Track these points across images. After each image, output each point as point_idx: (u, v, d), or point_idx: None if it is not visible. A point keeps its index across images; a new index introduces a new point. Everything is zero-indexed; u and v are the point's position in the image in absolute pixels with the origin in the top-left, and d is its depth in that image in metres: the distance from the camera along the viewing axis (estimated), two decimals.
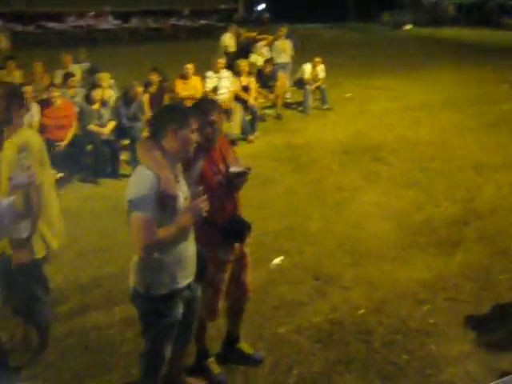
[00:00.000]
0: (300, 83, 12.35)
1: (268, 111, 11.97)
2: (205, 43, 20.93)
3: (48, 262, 4.16)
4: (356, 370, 4.07)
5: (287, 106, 12.60)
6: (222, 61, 10.78)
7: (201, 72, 10.64)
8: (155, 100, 9.26)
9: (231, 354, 4.19)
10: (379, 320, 4.66)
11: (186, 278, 3.23)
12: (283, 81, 11.88)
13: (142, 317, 3.30)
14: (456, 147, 9.42)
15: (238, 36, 14.31)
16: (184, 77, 10.16)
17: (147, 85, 9.54)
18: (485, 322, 4.65)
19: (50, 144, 7.44)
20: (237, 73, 10.48)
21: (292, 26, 15.31)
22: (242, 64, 10.53)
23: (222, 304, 3.86)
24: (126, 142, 8.61)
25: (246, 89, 10.40)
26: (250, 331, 4.44)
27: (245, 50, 13.41)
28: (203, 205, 3.04)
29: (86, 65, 11.60)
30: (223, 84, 10.42)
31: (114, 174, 8.28)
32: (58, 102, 8.15)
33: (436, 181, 7.89)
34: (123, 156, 8.57)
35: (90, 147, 8.40)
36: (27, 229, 3.62)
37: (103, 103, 8.53)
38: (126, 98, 8.78)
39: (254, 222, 3.78)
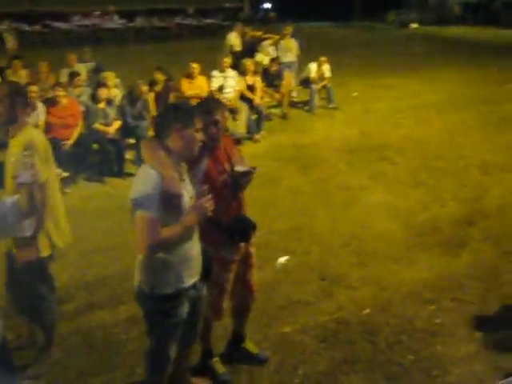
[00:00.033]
0: (306, 82, 12.33)
1: (274, 110, 11.95)
2: (210, 42, 20.91)
3: (53, 260, 4.16)
4: (361, 370, 4.06)
5: (293, 105, 12.57)
6: (228, 60, 10.76)
7: (206, 71, 10.63)
8: (160, 99, 9.27)
9: (236, 353, 4.18)
10: (385, 320, 4.65)
11: (191, 277, 3.23)
12: (289, 80, 11.86)
13: (147, 316, 3.30)
14: (462, 146, 9.39)
15: (243, 35, 14.29)
16: (190, 76, 10.16)
17: (152, 84, 9.55)
18: (491, 322, 4.64)
19: (55, 143, 7.48)
20: (242, 72, 10.47)
21: (298, 25, 15.30)
22: (248, 63, 10.51)
23: (227, 304, 3.85)
24: (132, 140, 8.62)
25: (251, 88, 10.39)
26: (255, 331, 4.44)
27: (250, 49, 13.39)
28: (208, 204, 3.04)
29: (91, 64, 11.62)
30: (229, 83, 10.41)
31: (120, 173, 8.28)
32: (64, 101, 8.17)
33: (442, 180, 7.87)
34: (129, 155, 8.58)
35: (95, 146, 8.41)
36: (31, 227, 3.63)
37: (109, 102, 8.54)
38: (131, 97, 8.79)
39: (259, 222, 3.78)
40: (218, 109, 3.56)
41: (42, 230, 3.83)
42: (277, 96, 11.45)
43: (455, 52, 21.40)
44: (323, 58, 12.26)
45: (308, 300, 4.97)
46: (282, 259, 5.69)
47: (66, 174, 7.77)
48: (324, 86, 12.30)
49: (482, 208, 6.92)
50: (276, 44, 13.15)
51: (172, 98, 9.59)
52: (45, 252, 3.90)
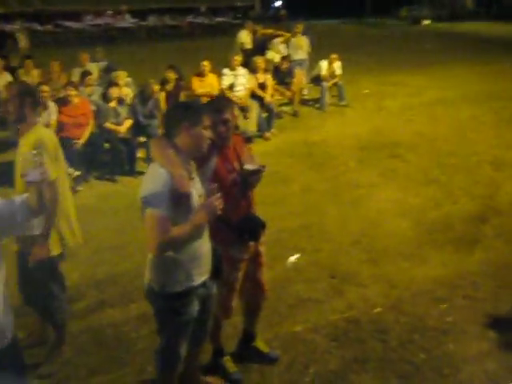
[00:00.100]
0: (317, 80, 12.28)
1: (285, 108, 11.94)
2: (221, 40, 20.91)
3: (64, 259, 4.19)
4: (372, 369, 4.04)
5: (304, 102, 12.53)
6: (239, 58, 10.75)
7: (217, 69, 10.63)
8: (171, 98, 9.29)
9: (247, 352, 4.18)
10: (396, 318, 4.62)
11: (201, 275, 3.23)
12: (300, 78, 11.83)
13: (157, 314, 3.31)
14: (474, 143, 9.32)
15: (254, 33, 14.28)
16: (200, 74, 10.16)
17: (163, 82, 9.57)
18: (503, 320, 4.59)
19: (67, 142, 7.52)
20: (253, 70, 10.45)
21: (309, 23, 15.24)
22: (259, 61, 10.50)
23: (236, 302, 3.85)
24: (143, 139, 8.63)
25: (262, 86, 10.37)
26: (265, 329, 4.43)
27: (261, 46, 13.37)
28: (217, 203, 3.03)
29: (103, 63, 11.66)
30: (239, 81, 10.40)
31: (131, 172, 8.30)
32: (75, 100, 8.20)
33: (454, 177, 7.81)
34: (140, 154, 8.59)
35: (106, 145, 8.43)
36: (40, 226, 3.65)
37: (120, 101, 8.56)
38: (143, 96, 8.82)
39: (270, 220, 3.77)
40: (228, 107, 3.55)
41: (54, 228, 3.86)
42: (288, 94, 11.42)
43: (467, 48, 21.23)
44: (334, 56, 12.22)
45: (319, 298, 4.96)
46: (293, 258, 5.68)
47: (77, 173, 7.81)
48: (335, 84, 12.26)
49: (495, 204, 6.86)
50: (287, 42, 13.13)
51: (183, 96, 9.61)
52: (55, 251, 3.92)
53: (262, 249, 3.88)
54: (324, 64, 12.12)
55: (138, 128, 8.64)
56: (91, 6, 27.11)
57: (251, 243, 3.68)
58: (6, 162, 7.22)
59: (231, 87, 10.34)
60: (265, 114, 10.33)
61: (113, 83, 8.79)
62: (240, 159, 3.62)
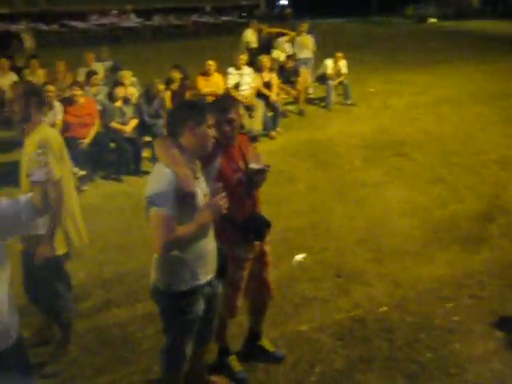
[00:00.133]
0: (322, 79, 12.28)
1: (290, 107, 11.93)
2: (226, 40, 20.93)
3: (69, 259, 4.20)
4: (378, 369, 4.03)
5: (309, 101, 12.53)
6: (244, 57, 10.74)
7: (223, 68, 10.63)
8: (177, 97, 9.29)
9: (252, 351, 4.18)
10: (402, 317, 4.61)
11: (206, 274, 3.23)
12: (305, 76, 11.82)
13: (162, 313, 3.31)
14: (481, 142, 9.29)
15: (259, 32, 14.27)
16: (206, 73, 10.16)
17: (169, 82, 9.57)
18: (510, 319, 4.57)
19: (72, 142, 7.54)
20: (258, 69, 10.43)
21: (314, 21, 15.22)
22: (264, 60, 10.48)
23: (241, 301, 3.84)
24: (149, 139, 8.64)
25: (267, 85, 10.36)
26: (271, 328, 4.42)
27: (266, 45, 13.38)
28: (222, 202, 3.03)
29: (108, 63, 11.68)
30: (245, 80, 10.39)
31: (137, 172, 8.31)
32: (81, 100, 8.22)
33: (460, 176, 7.79)
34: (145, 153, 8.60)
35: (112, 145, 8.44)
36: (45, 225, 3.65)
37: (125, 101, 8.56)
38: (148, 96, 8.82)
39: (275, 219, 3.77)
40: (233, 107, 3.54)
41: (59, 227, 3.86)
42: (293, 93, 11.41)
43: (474, 46, 21.17)
44: (339, 54, 12.21)
45: (324, 297, 4.95)
46: (299, 257, 5.67)
47: (83, 173, 7.83)
48: (340, 82, 12.24)
49: (501, 203, 6.83)
50: (292, 40, 13.12)
51: (188, 96, 9.62)
52: (61, 250, 3.93)
53: (268, 248, 3.87)
54: (329, 63, 12.11)
55: (143, 127, 8.65)
56: (96, 5, 27.17)
57: (256, 243, 3.67)
58: (12, 162, 7.25)
59: (237, 86, 10.34)
60: (270, 113, 10.32)
61: (118, 83, 8.79)
62: (245, 158, 3.61)
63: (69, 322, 4.20)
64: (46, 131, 3.77)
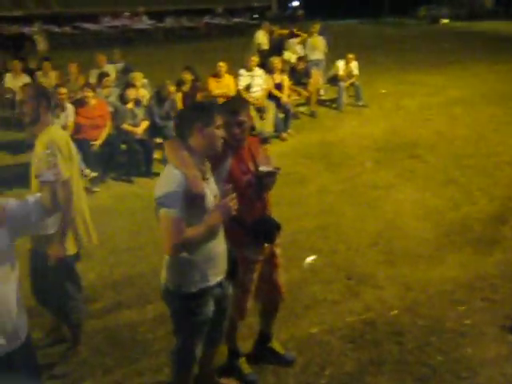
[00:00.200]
0: (334, 80, 12.25)
1: (301, 109, 11.90)
2: (238, 41, 20.96)
3: (79, 259, 4.20)
4: (388, 372, 4.00)
5: (321, 103, 12.49)
6: (255, 59, 10.73)
7: (234, 70, 10.63)
8: (188, 99, 9.30)
9: (262, 353, 4.16)
10: (413, 320, 4.58)
11: (216, 275, 3.23)
12: (317, 78, 11.79)
13: (173, 315, 3.32)
14: (494, 143, 9.22)
15: (271, 33, 14.28)
16: (217, 75, 10.17)
17: (180, 84, 9.58)
18: None
19: (84, 143, 7.57)
20: (270, 70, 10.43)
21: (326, 23, 15.18)
22: (275, 61, 10.48)
23: (251, 303, 3.83)
24: (160, 140, 8.65)
25: (279, 86, 10.35)
26: (281, 331, 4.41)
27: (278, 47, 13.38)
28: (232, 203, 3.03)
29: (120, 65, 11.72)
30: (256, 82, 10.38)
31: (148, 173, 8.32)
32: (93, 101, 8.25)
33: (473, 178, 7.73)
34: (157, 155, 8.61)
35: (123, 146, 8.46)
36: (54, 225, 3.66)
37: (137, 102, 8.59)
38: (159, 97, 8.84)
39: (286, 221, 3.76)
40: (243, 109, 3.53)
41: (71, 227, 3.87)
42: (304, 94, 11.38)
43: (486, 47, 21.05)
44: (351, 56, 12.18)
45: (335, 300, 4.93)
46: (309, 259, 5.65)
47: (94, 174, 7.85)
48: (352, 84, 12.20)
49: None
50: (303, 42, 13.11)
51: (199, 97, 9.62)
52: (71, 250, 3.94)
53: (278, 250, 3.86)
54: (341, 64, 12.09)
55: (154, 129, 8.67)
56: (109, 7, 27.35)
57: (266, 245, 3.66)
58: (22, 164, 7.30)
59: (248, 88, 10.33)
60: (281, 115, 10.31)
61: (130, 84, 8.81)
62: (255, 160, 3.60)
63: (79, 322, 4.21)
64: (54, 132, 3.78)
